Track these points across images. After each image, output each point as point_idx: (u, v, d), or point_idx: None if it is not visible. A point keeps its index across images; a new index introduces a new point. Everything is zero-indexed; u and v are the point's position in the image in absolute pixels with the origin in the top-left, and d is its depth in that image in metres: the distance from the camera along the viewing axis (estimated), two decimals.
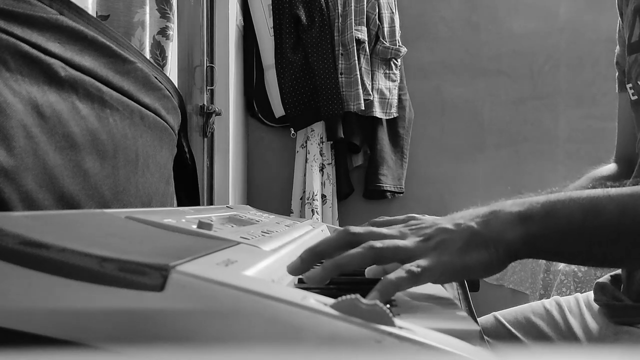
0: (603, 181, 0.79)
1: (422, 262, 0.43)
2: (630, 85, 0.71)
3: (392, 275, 0.42)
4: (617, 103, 0.83)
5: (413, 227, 0.48)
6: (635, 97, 0.71)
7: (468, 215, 0.48)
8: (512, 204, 0.48)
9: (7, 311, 0.29)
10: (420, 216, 0.69)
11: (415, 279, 0.42)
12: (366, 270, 0.52)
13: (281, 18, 1.75)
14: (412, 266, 0.43)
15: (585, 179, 0.83)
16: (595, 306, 0.74)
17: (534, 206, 0.47)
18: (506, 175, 1.88)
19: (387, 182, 1.80)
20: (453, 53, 1.91)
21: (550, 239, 0.47)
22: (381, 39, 1.79)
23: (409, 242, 0.46)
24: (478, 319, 0.71)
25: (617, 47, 0.77)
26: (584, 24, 1.86)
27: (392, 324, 0.28)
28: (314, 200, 1.73)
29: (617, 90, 0.81)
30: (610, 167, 0.83)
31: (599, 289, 0.72)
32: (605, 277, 0.74)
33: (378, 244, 0.45)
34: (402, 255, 0.45)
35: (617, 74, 0.80)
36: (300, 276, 0.47)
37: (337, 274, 0.45)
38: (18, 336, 0.29)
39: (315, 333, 0.27)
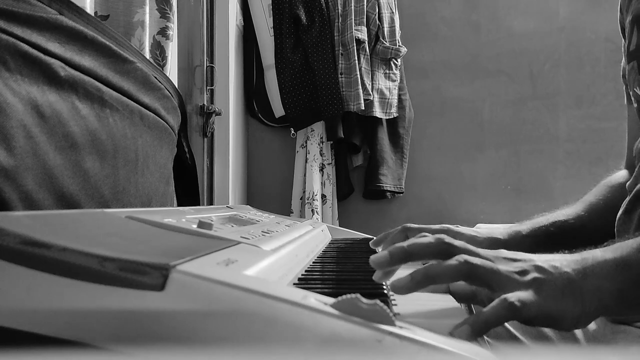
0: (618, 189, 0.79)
1: (523, 295, 0.40)
2: (630, 92, 0.72)
3: (489, 310, 0.39)
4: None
5: (502, 255, 0.45)
6: (636, 104, 0.71)
7: (562, 260, 0.45)
8: (603, 251, 0.46)
9: (7, 311, 0.29)
10: (454, 227, 0.69)
11: (516, 313, 0.39)
12: (452, 284, 0.49)
13: (281, 18, 1.75)
14: (513, 299, 0.39)
15: (602, 187, 0.83)
16: None
17: (631, 252, 0.45)
18: (506, 175, 1.88)
19: (387, 182, 1.80)
20: (453, 53, 1.91)
21: None
22: (381, 39, 1.79)
23: (503, 268, 0.43)
24: None
25: (623, 60, 0.78)
26: (584, 24, 1.86)
27: (392, 324, 0.28)
28: (314, 200, 1.73)
29: (625, 102, 0.82)
30: (621, 174, 0.84)
31: None
32: None
33: (474, 260, 0.42)
34: (495, 280, 0.42)
35: (624, 87, 0.80)
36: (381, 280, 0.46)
37: (428, 285, 0.42)
38: (19, 336, 0.29)
39: (316, 332, 0.27)
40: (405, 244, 0.45)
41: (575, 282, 0.43)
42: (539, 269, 0.43)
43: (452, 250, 0.44)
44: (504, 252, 0.46)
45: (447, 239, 0.45)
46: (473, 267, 0.42)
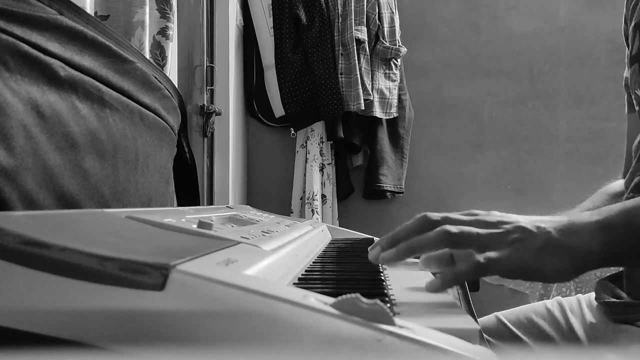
0: (616, 198, 0.80)
1: (492, 254, 0.44)
2: (632, 96, 0.72)
3: (457, 266, 0.43)
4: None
5: (492, 219, 0.48)
6: (638, 107, 0.72)
7: (547, 221, 0.48)
8: (589, 214, 0.48)
9: (7, 311, 0.29)
10: (482, 212, 0.70)
11: (482, 270, 0.43)
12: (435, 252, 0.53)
13: (281, 18, 1.75)
14: (480, 257, 0.43)
15: (599, 194, 0.84)
16: (596, 305, 0.74)
17: (613, 215, 0.48)
18: (506, 175, 1.88)
19: (387, 182, 1.80)
20: (453, 53, 1.91)
21: (631, 246, 0.47)
22: (381, 39, 1.79)
23: (484, 231, 0.46)
24: (480, 319, 0.71)
25: (625, 70, 0.78)
26: (584, 24, 1.86)
27: (392, 323, 0.28)
28: (314, 200, 1.73)
29: (626, 112, 0.82)
30: (619, 183, 0.84)
31: (600, 288, 0.72)
32: (606, 275, 0.74)
33: (453, 228, 0.45)
34: (475, 243, 0.45)
35: (626, 95, 0.81)
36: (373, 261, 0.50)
37: (410, 255, 0.46)
38: (19, 336, 0.29)
39: (316, 332, 0.27)
40: (390, 233, 0.49)
41: (556, 239, 0.46)
42: (521, 229, 0.46)
43: (434, 225, 0.47)
44: (494, 213, 0.49)
45: (428, 214, 0.49)
46: (451, 234, 0.45)
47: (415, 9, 1.92)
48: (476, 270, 0.43)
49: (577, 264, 0.46)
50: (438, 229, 0.46)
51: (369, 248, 0.52)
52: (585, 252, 0.46)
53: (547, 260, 0.45)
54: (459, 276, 0.43)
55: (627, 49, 0.77)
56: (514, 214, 0.50)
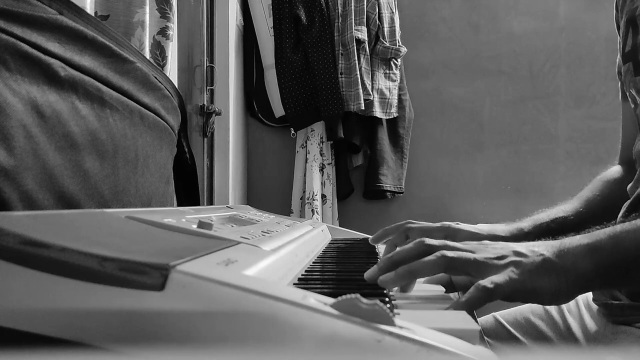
0: (614, 184, 0.81)
1: (495, 278, 0.45)
2: (627, 93, 0.72)
3: (465, 296, 0.44)
4: (616, 103, 0.84)
5: (487, 245, 0.50)
6: (633, 105, 0.72)
7: (541, 244, 0.49)
8: (580, 237, 0.50)
9: (7, 311, 0.29)
10: (454, 224, 0.71)
11: (489, 295, 0.44)
12: (432, 276, 0.55)
13: (281, 18, 1.75)
14: (486, 283, 0.44)
15: (597, 182, 0.84)
16: (595, 307, 0.74)
17: (602, 237, 0.49)
18: (506, 175, 1.88)
19: (387, 182, 1.80)
20: (453, 53, 1.91)
21: (620, 268, 0.48)
22: (381, 39, 1.78)
23: (480, 256, 0.47)
24: (478, 319, 0.71)
25: (618, 57, 0.78)
26: (584, 24, 1.85)
27: (392, 324, 0.28)
28: (314, 200, 1.73)
29: (620, 99, 0.83)
30: (616, 169, 0.85)
31: None
32: None
33: (450, 253, 0.47)
34: (472, 268, 0.47)
35: (619, 83, 0.81)
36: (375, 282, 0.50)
37: (410, 279, 0.48)
38: (18, 336, 0.29)
39: (316, 332, 0.28)
40: (390, 254, 0.51)
41: (550, 261, 0.47)
42: (516, 253, 0.48)
43: (432, 250, 0.49)
44: (486, 242, 0.51)
45: (427, 240, 0.50)
46: (449, 259, 0.47)
47: (415, 9, 1.92)
48: (485, 296, 0.44)
49: (570, 285, 0.47)
50: (437, 253, 0.47)
51: (372, 240, 0.53)
52: (576, 274, 0.47)
53: (543, 281, 0.46)
54: (470, 306, 0.43)
55: (618, 37, 0.77)
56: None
